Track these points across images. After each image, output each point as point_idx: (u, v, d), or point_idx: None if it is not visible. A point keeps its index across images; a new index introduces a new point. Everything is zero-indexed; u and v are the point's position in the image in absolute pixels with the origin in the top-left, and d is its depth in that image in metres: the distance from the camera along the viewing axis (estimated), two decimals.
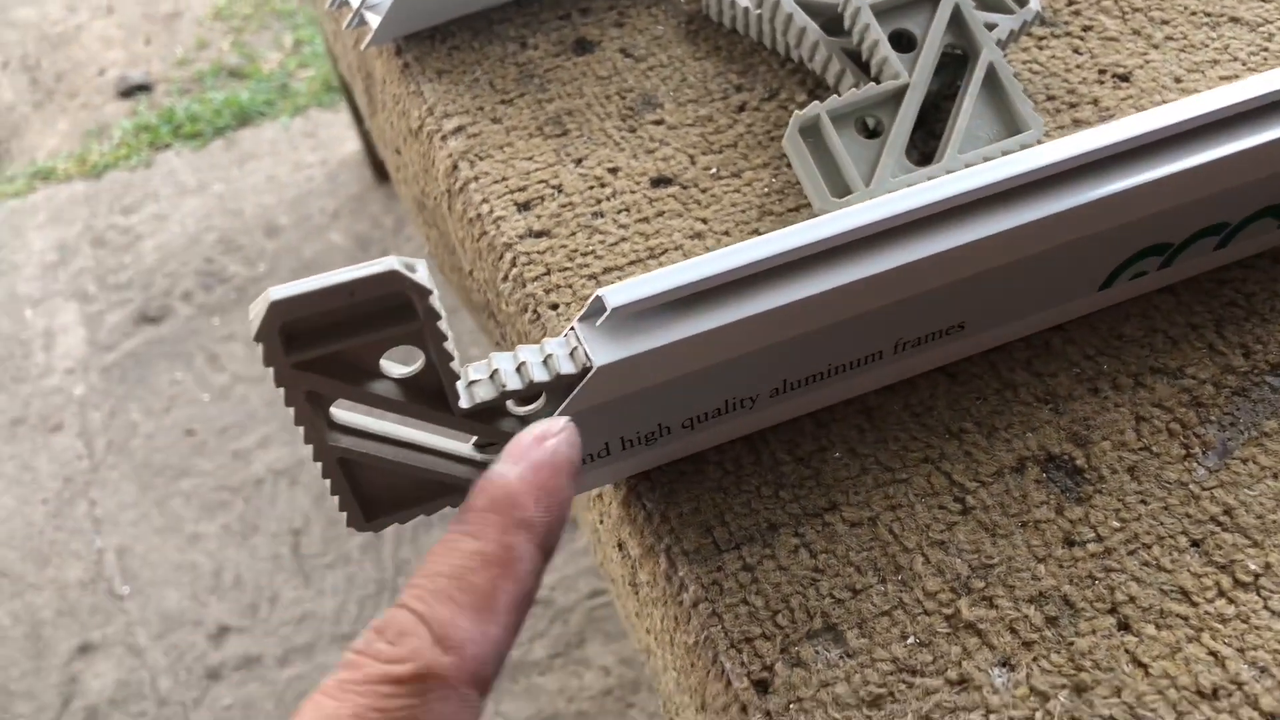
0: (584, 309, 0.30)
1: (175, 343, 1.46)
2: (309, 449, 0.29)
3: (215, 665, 1.16)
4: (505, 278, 0.39)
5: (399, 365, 0.28)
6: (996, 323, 0.34)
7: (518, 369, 0.29)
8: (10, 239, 1.58)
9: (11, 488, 1.32)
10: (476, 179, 0.42)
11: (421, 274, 0.26)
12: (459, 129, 0.44)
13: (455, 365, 0.28)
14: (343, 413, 0.29)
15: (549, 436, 0.27)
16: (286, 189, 1.62)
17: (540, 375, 0.29)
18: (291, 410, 0.27)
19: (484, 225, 0.41)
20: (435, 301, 0.26)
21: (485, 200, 0.41)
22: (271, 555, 1.23)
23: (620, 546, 0.35)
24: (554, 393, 0.30)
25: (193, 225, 1.58)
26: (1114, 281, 0.35)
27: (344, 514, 0.31)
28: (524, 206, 0.41)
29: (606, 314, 0.29)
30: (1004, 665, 0.29)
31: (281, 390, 0.27)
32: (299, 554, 1.24)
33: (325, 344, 0.26)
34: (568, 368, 0.29)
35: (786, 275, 0.30)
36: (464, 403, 0.29)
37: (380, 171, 1.59)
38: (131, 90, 1.77)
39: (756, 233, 0.39)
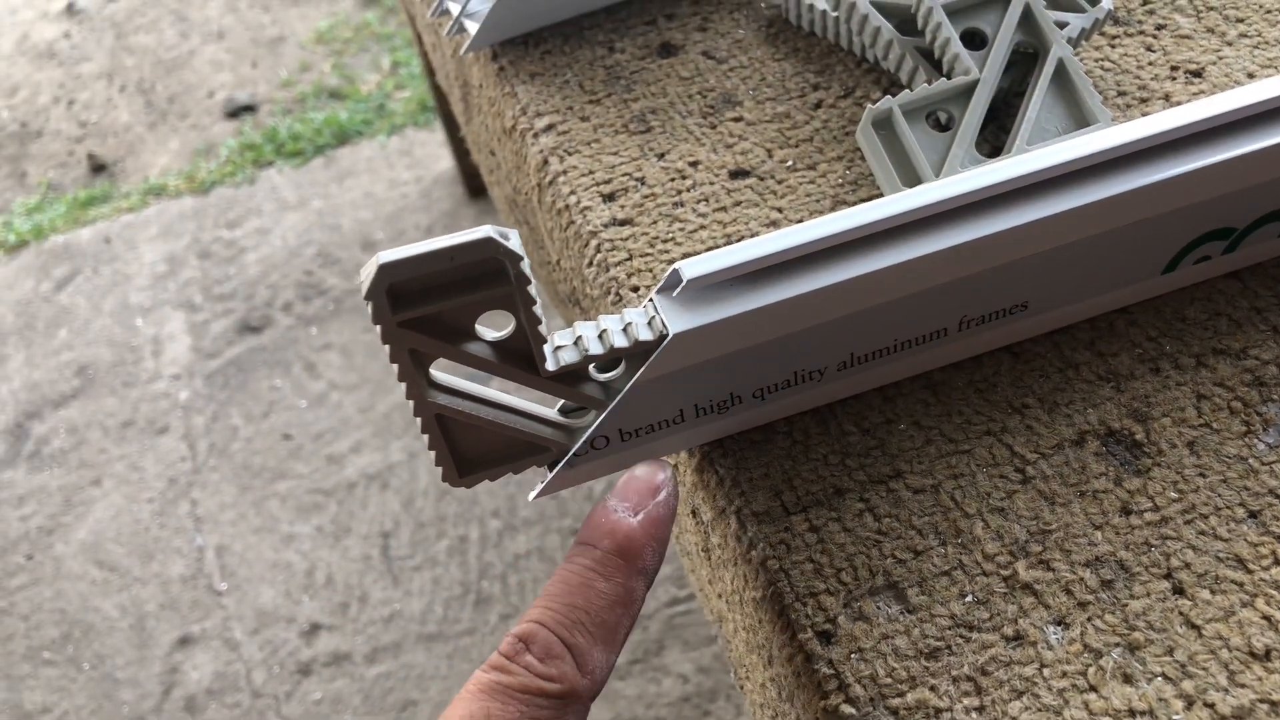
0: (661, 281, 0.32)
1: (275, 351, 1.51)
2: (410, 404, 0.31)
3: (306, 660, 1.21)
4: (590, 263, 0.42)
5: (492, 329, 0.31)
6: (1059, 303, 0.36)
7: (599, 335, 0.32)
8: (124, 251, 1.66)
9: (121, 487, 1.38)
10: (565, 173, 0.44)
11: (514, 242, 0.28)
12: (549, 127, 0.46)
13: (543, 329, 0.30)
14: (441, 374, 0.31)
15: (661, 488, 0.31)
16: (383, 205, 1.68)
17: (620, 341, 0.31)
18: (400, 383, 0.30)
19: (571, 215, 0.43)
20: (525, 267, 0.29)
21: (573, 192, 0.43)
22: (362, 556, 1.28)
23: (694, 514, 0.37)
24: (633, 359, 0.32)
25: (293, 239, 1.65)
26: (1178, 265, 0.36)
27: (439, 469, 0.33)
28: (609, 198, 0.43)
29: (683, 285, 0.31)
30: (1059, 624, 0.30)
31: (389, 359, 0.29)
32: (388, 556, 1.28)
33: (426, 304, 0.29)
34: (645, 335, 0.31)
35: (855, 251, 0.32)
36: (550, 365, 0.31)
37: (472, 187, 1.64)
38: (238, 111, 1.85)
39: None
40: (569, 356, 0.31)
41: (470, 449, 0.33)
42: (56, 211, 1.73)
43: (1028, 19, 0.42)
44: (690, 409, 0.34)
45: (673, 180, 0.43)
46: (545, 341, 0.31)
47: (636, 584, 0.30)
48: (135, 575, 1.29)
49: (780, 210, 0.41)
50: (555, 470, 0.33)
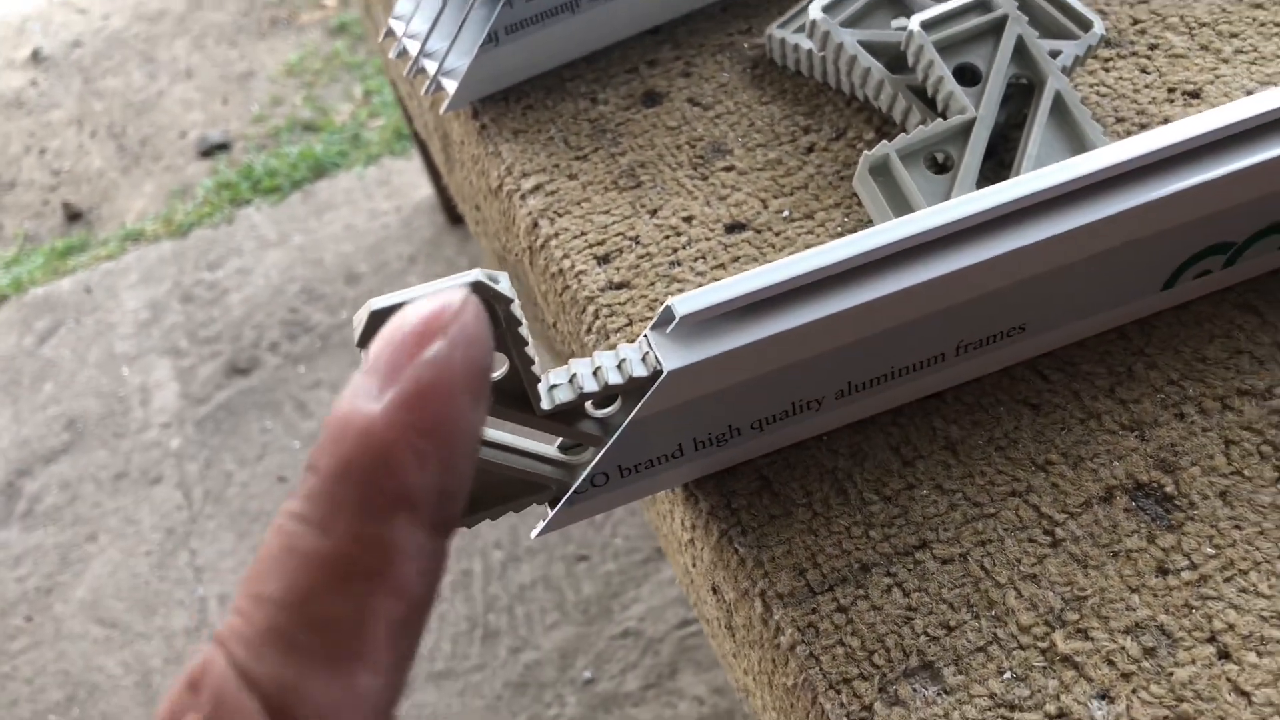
0: (655, 318, 0.31)
1: (264, 392, 1.50)
2: None
3: None
4: (589, 330, 0.40)
5: None
6: (1057, 324, 0.35)
7: (594, 372, 0.31)
8: (106, 300, 1.64)
9: (117, 541, 1.36)
10: (556, 235, 0.43)
11: (504, 284, 0.27)
12: (537, 187, 0.45)
13: (536, 369, 0.29)
14: None
15: (437, 329, 0.17)
16: (364, 237, 1.66)
17: (614, 379, 0.31)
18: None
19: (566, 280, 0.42)
20: (516, 309, 0.28)
21: (566, 255, 0.42)
22: None
23: (715, 590, 0.36)
24: (629, 395, 0.32)
25: (276, 277, 1.63)
26: (1177, 281, 0.35)
27: None
28: (603, 260, 0.42)
29: (675, 321, 0.30)
30: (1103, 698, 0.29)
31: None
32: None
33: None
34: (640, 371, 0.31)
35: (847, 281, 0.31)
36: (545, 405, 0.31)
37: (453, 215, 1.62)
38: (211, 150, 1.84)
39: None
40: (564, 395, 0.31)
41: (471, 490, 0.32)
42: (34, 263, 1.71)
43: (1021, 51, 0.41)
44: (689, 443, 0.33)
45: (667, 238, 0.42)
46: (539, 380, 0.30)
47: (387, 526, 0.16)
48: (137, 631, 1.28)
49: None
50: (556, 508, 0.33)
